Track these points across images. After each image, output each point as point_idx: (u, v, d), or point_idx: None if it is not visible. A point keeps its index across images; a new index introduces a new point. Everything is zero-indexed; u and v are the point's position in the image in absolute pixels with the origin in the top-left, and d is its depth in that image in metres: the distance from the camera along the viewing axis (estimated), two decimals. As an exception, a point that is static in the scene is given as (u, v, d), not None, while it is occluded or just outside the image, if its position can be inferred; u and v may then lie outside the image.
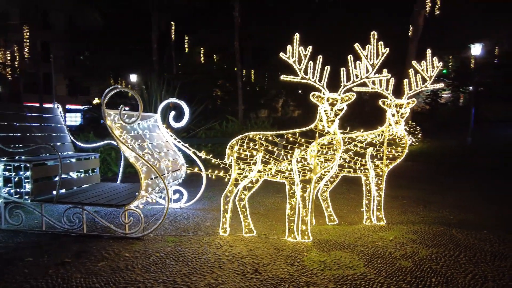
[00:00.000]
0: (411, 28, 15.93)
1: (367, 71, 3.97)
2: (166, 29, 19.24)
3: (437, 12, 15.99)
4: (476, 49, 11.92)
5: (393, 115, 4.70)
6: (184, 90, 12.58)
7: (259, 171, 4.17)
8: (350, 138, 4.75)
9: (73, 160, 5.50)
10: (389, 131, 4.76)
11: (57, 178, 4.47)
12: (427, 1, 15.44)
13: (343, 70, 4.01)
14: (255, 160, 4.14)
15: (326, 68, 3.98)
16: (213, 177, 4.58)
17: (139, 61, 18.81)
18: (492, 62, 22.54)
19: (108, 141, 5.80)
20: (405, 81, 4.79)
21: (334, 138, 3.97)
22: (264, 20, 20.39)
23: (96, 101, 30.37)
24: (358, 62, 4.05)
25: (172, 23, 19.94)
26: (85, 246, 3.88)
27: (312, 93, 4.01)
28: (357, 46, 4.03)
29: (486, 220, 4.97)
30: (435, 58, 4.66)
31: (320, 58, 3.98)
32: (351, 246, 3.93)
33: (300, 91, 28.15)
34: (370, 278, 3.10)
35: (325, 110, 3.94)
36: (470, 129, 11.40)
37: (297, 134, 4.07)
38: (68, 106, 35.06)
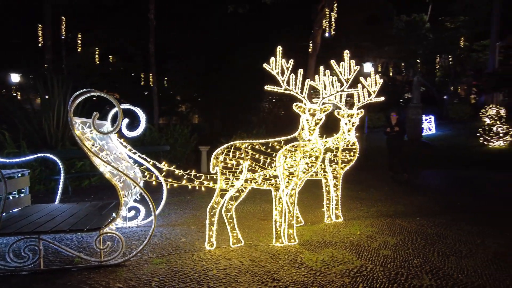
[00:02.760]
0: (311, 45, 17.90)
1: (341, 85, 4.45)
2: (57, 24, 16.66)
3: (332, 32, 18.51)
4: (368, 67, 14.38)
5: (346, 124, 5.33)
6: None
7: (245, 180, 4.17)
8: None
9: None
10: (343, 138, 5.37)
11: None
12: (324, 22, 17.64)
13: (322, 84, 4.39)
14: (241, 168, 4.13)
15: (307, 80, 4.29)
16: (203, 188, 4.33)
17: (23, 58, 15.61)
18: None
19: (43, 154, 4.82)
20: (355, 94, 5.49)
21: (315, 145, 4.29)
22: (170, 25, 19.78)
23: None
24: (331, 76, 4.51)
25: (63, 17, 17.39)
26: (54, 285, 3.19)
27: (294, 104, 4.26)
28: (332, 62, 4.48)
29: (411, 209, 6.06)
30: (377, 76, 5.51)
31: (301, 72, 4.27)
32: (332, 243, 4.31)
33: (199, 99, 28.17)
34: (371, 269, 3.50)
35: (306, 120, 4.23)
36: (365, 135, 13.53)
37: (282, 142, 4.26)
38: None
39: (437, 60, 23.17)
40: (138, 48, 20.70)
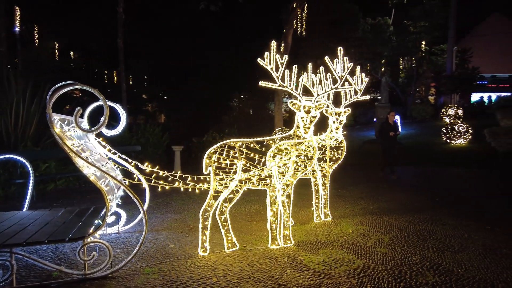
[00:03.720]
0: (282, 44, 17.95)
1: (335, 82, 4.39)
2: (10, 15, 15.24)
3: (304, 32, 18.69)
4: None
5: (333, 122, 5.30)
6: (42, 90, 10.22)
7: (240, 180, 3.97)
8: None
9: None
10: (331, 136, 5.34)
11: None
12: (294, 22, 17.74)
13: (316, 82, 4.30)
14: (235, 168, 3.93)
15: (302, 77, 4.18)
16: (197, 190, 4.05)
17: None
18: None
19: (8, 155, 4.29)
20: (342, 92, 5.48)
21: (310, 143, 4.19)
22: (136, 20, 18.94)
23: None
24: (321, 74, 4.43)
25: (17, 8, 15.95)
26: (33, 303, 2.80)
27: (289, 101, 4.13)
28: (327, 59, 4.40)
29: (394, 205, 6.17)
30: (363, 74, 5.53)
31: (295, 68, 4.15)
32: (328, 243, 4.23)
33: (165, 97, 27.42)
34: (374, 268, 3.45)
35: (301, 117, 4.12)
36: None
37: (277, 140, 4.11)
38: None
39: (401, 62, 24.30)
40: (101, 43, 19.59)
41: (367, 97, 5.64)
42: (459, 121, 15.02)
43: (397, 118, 19.22)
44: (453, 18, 20.65)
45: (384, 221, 5.19)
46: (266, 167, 4.00)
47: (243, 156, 3.96)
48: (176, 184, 3.95)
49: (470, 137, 14.29)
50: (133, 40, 19.68)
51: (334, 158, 5.39)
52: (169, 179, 4.17)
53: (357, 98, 5.52)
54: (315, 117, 4.16)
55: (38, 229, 3.48)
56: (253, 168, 3.98)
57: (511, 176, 9.10)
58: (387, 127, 9.12)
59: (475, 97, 25.48)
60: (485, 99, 24.41)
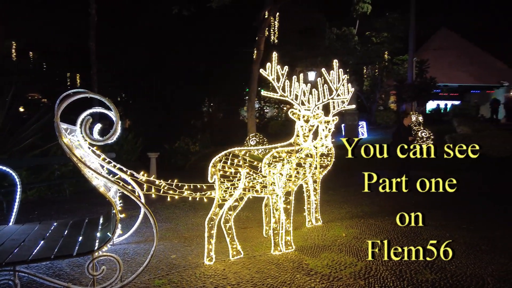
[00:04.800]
0: (255, 52, 18.19)
1: (331, 93, 4.60)
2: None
3: (276, 40, 19.11)
4: (312, 75, 15.20)
5: (323, 130, 5.53)
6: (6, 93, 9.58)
7: (244, 188, 4.02)
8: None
9: None
10: (321, 144, 5.56)
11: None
12: (267, 29, 18.09)
13: (314, 91, 4.48)
14: (239, 176, 3.98)
15: (301, 88, 4.34)
16: (205, 199, 4.02)
17: None
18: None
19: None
20: (331, 102, 5.73)
21: (309, 151, 4.35)
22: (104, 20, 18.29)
23: None
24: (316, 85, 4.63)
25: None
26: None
27: (290, 110, 4.28)
28: (323, 71, 4.60)
29: (376, 209, 6.51)
30: (349, 85, 5.82)
31: (295, 78, 4.31)
32: (326, 247, 4.41)
33: (130, 102, 26.69)
34: (377, 269, 3.66)
35: (301, 126, 4.28)
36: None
37: (279, 148, 4.22)
38: None
39: (365, 70, 25.62)
40: (69, 44, 18.68)
41: (353, 106, 5.95)
42: (420, 127, 16.07)
43: (363, 124, 20.21)
44: (413, 31, 22.16)
45: (371, 224, 5.48)
46: (261, 174, 4.06)
47: (247, 164, 4.02)
48: (186, 193, 3.92)
49: (432, 142, 15.34)
50: (102, 42, 18.98)
51: (324, 164, 5.61)
52: (165, 187, 4.12)
53: (344, 107, 5.81)
54: (313, 126, 4.34)
55: (36, 244, 3.28)
56: (256, 176, 4.05)
57: (473, 178, 9.93)
58: (403, 131, 8.57)
59: (432, 104, 27.39)
60: (442, 106, 26.38)
